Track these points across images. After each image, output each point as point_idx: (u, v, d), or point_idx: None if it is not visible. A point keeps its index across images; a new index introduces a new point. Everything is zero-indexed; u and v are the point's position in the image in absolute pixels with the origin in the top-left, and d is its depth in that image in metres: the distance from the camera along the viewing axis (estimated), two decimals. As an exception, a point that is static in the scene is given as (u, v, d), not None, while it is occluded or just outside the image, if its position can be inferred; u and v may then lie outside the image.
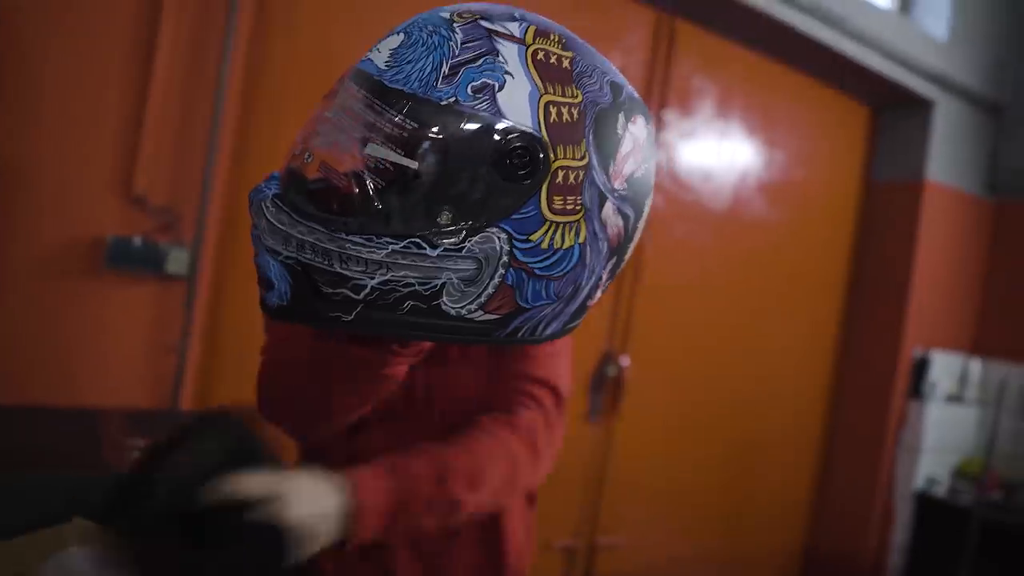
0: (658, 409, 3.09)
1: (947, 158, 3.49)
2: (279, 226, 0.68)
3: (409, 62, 0.67)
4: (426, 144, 0.65)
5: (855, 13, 3.05)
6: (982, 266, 3.76)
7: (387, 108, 0.65)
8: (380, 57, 0.68)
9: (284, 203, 0.68)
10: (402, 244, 0.66)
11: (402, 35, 0.68)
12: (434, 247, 0.67)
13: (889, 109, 3.57)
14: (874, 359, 3.51)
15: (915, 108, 3.46)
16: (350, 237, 0.66)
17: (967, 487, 3.45)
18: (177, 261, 1.99)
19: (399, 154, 0.65)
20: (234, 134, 2.07)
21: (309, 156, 0.68)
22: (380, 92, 0.66)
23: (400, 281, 0.68)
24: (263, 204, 0.69)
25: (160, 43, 1.93)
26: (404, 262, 0.67)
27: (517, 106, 0.67)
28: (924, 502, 3.43)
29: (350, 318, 0.69)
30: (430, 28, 0.68)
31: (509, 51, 0.68)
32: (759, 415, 3.39)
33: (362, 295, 0.68)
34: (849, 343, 3.63)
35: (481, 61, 0.67)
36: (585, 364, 2.90)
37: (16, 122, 1.84)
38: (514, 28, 0.70)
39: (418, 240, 0.66)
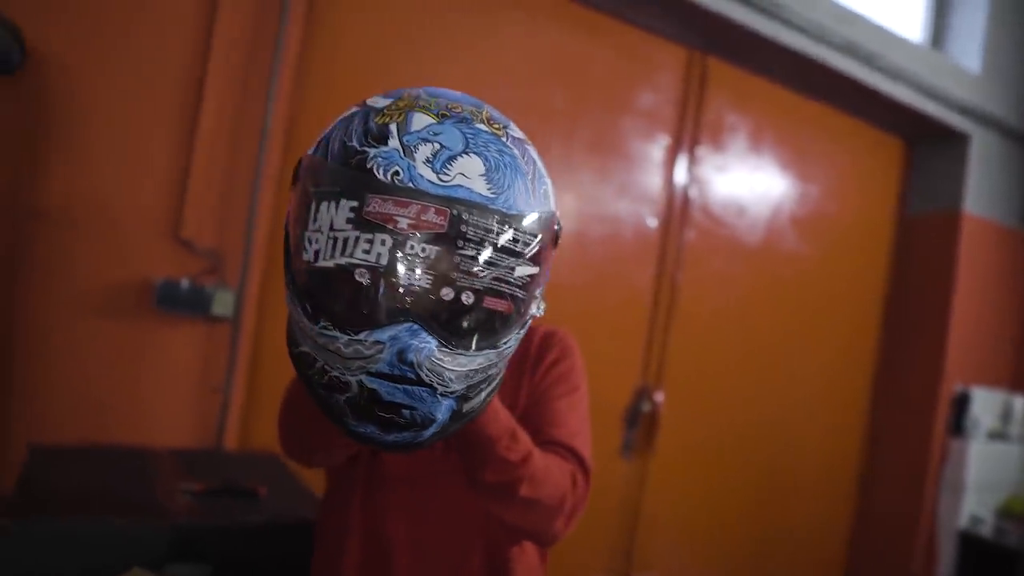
0: (693, 443, 3.07)
1: (983, 190, 3.47)
2: (458, 368, 0.73)
3: (508, 187, 0.72)
4: (540, 250, 0.74)
5: (887, 48, 3.06)
6: (1021, 300, 3.70)
7: (516, 230, 0.72)
8: (478, 185, 0.71)
9: (450, 344, 0.72)
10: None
11: (478, 159, 0.72)
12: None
13: (923, 142, 3.56)
14: (913, 395, 3.46)
15: (950, 141, 3.45)
16: (508, 352, 0.77)
17: (1012, 526, 3.37)
18: (222, 303, 2.04)
19: (533, 267, 0.73)
20: (276, 179, 2.13)
21: (450, 293, 0.70)
22: (504, 219, 0.71)
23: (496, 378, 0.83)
24: (431, 359, 0.71)
25: (206, 93, 2.00)
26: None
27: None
28: (969, 541, 3.36)
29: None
30: (494, 149, 0.73)
31: (532, 152, 0.78)
32: (795, 449, 3.36)
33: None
34: (886, 378, 3.59)
35: (533, 170, 0.76)
36: (619, 400, 2.90)
37: (70, 170, 1.90)
38: (516, 130, 0.79)
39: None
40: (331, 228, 0.68)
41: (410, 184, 0.68)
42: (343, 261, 0.67)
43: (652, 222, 2.91)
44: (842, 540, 3.59)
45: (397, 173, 0.68)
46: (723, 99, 3.01)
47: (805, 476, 3.40)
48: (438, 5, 2.42)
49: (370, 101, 0.75)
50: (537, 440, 1.09)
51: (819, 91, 3.18)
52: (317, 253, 0.69)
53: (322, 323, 0.70)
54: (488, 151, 0.72)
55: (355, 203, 0.68)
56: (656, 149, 2.90)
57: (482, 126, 0.74)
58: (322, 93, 2.21)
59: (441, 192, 0.69)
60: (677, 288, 2.96)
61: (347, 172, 0.69)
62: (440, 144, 0.70)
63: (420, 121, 0.71)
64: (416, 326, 0.69)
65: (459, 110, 0.73)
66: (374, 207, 0.67)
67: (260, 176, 2.08)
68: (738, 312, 3.14)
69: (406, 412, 0.73)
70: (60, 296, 1.91)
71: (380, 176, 0.68)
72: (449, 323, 0.70)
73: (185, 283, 2.00)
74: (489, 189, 0.71)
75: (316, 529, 1.33)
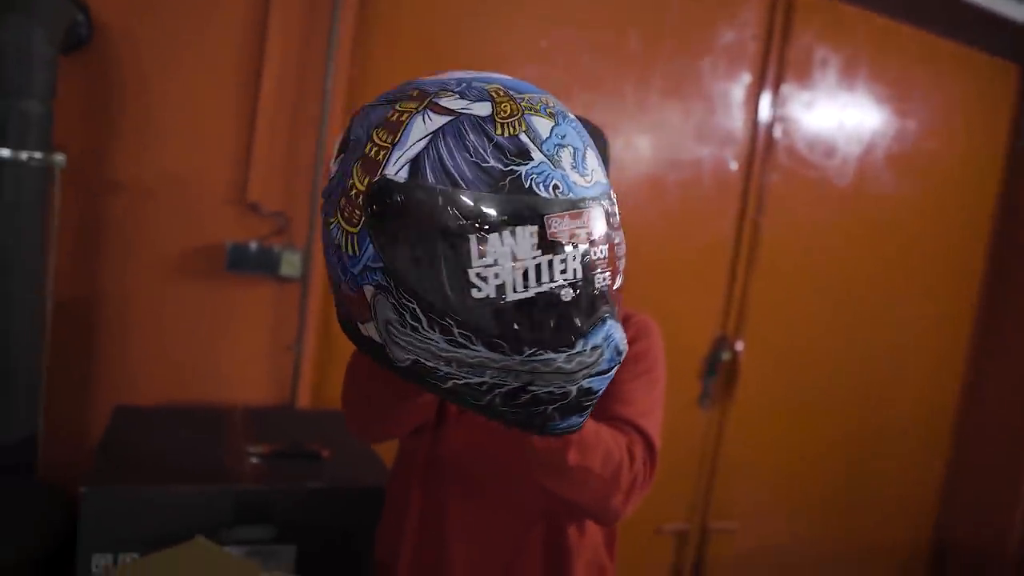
0: (774, 393, 2.99)
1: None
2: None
3: (602, 166, 0.76)
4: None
5: (1002, -36, 2.75)
6: None
7: (615, 204, 0.75)
8: (602, 175, 0.74)
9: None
10: None
11: (592, 151, 0.73)
12: None
13: (1042, 66, 3.22)
14: (1017, 346, 3.23)
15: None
16: None
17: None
18: (290, 264, 2.08)
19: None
20: (339, 139, 2.12)
21: (619, 280, 0.75)
22: (614, 198, 0.76)
23: None
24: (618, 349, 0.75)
25: (266, 58, 2.00)
26: None
27: None
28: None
29: None
30: (586, 135, 0.74)
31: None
32: (883, 400, 3.22)
33: None
34: (988, 328, 3.35)
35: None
36: (698, 349, 2.84)
37: (140, 141, 1.96)
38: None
39: None
40: (515, 258, 0.65)
41: (571, 194, 0.68)
42: (545, 288, 0.67)
43: (733, 165, 2.78)
44: (933, 491, 3.45)
45: (557, 187, 0.67)
46: (812, 32, 2.79)
47: (895, 428, 3.26)
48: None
49: (452, 103, 0.69)
50: (602, 417, 1.06)
51: (921, 16, 2.90)
52: (502, 287, 0.66)
53: (529, 351, 0.69)
54: (586, 138, 0.73)
55: (534, 228, 0.66)
56: (738, 89, 2.74)
57: (571, 115, 0.74)
58: (383, 51, 2.18)
59: (592, 193, 0.70)
60: (759, 234, 2.83)
61: (507, 198, 0.66)
62: (571, 146, 0.70)
63: (542, 126, 0.69)
64: (611, 319, 0.73)
65: (550, 104, 0.72)
66: (556, 228, 0.67)
67: (323, 136, 2.08)
68: (825, 258, 2.98)
69: (592, 392, 0.75)
70: (138, 263, 2.00)
71: (545, 194, 0.67)
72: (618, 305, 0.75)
73: (254, 245, 2.06)
74: (605, 175, 0.75)
75: (386, 497, 1.36)
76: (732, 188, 2.79)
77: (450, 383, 0.71)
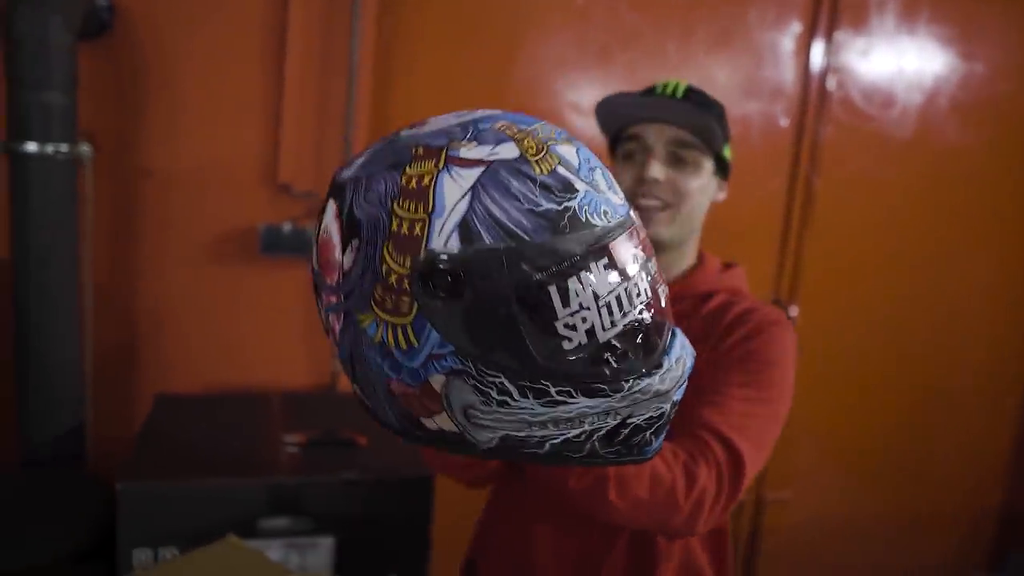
0: (832, 359, 2.87)
1: None
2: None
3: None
4: None
5: None
6: None
7: None
8: (617, 185, 0.71)
9: None
10: None
11: (599, 167, 0.68)
12: None
13: None
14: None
15: None
16: None
17: None
18: (325, 244, 2.05)
19: None
20: (368, 116, 2.07)
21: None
22: None
23: None
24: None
25: (290, 35, 1.95)
26: None
27: None
28: None
29: None
30: (584, 148, 0.69)
31: None
32: (947, 363, 3.06)
33: None
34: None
35: None
36: (748, 315, 2.74)
37: (168, 127, 1.94)
38: None
39: None
40: (597, 298, 0.62)
41: (618, 216, 0.65)
42: (630, 317, 0.64)
43: (784, 121, 2.63)
44: (1002, 456, 3.30)
45: (606, 212, 0.64)
46: (868, -28, 2.60)
47: (959, 392, 3.11)
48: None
49: (473, 152, 0.62)
50: (688, 421, 0.98)
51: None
52: (592, 331, 0.62)
53: (628, 382, 0.65)
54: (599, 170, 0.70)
55: (604, 260, 0.62)
56: (787, 39, 2.58)
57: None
58: (409, 22, 2.10)
59: (628, 209, 0.68)
60: (813, 192, 2.69)
61: (573, 237, 0.61)
62: (598, 167, 0.67)
63: (569, 154, 0.65)
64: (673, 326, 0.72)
65: (556, 131, 0.68)
66: (621, 253, 0.64)
67: (352, 114, 2.03)
68: (884, 216, 2.82)
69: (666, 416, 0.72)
70: (172, 250, 1.99)
71: (601, 222, 0.63)
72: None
73: (287, 227, 2.03)
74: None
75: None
76: (783, 145, 2.65)
77: (547, 446, 0.66)
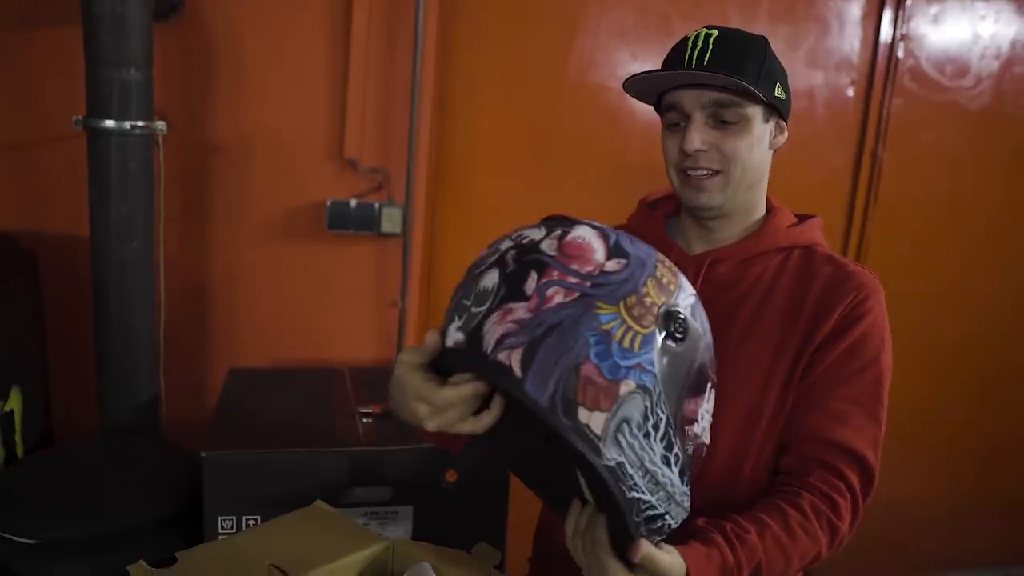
0: (900, 340, 2.76)
1: None
2: None
3: None
4: None
5: None
6: None
7: None
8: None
9: None
10: None
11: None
12: None
13: None
14: None
15: None
16: None
17: None
18: (390, 220, 2.05)
19: None
20: (432, 91, 2.06)
21: None
22: None
23: None
24: None
25: (355, 14, 1.95)
26: None
27: None
28: None
29: None
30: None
31: None
32: (1021, 343, 2.96)
33: None
34: None
35: None
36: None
37: (237, 104, 1.96)
38: None
39: None
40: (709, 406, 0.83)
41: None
42: (702, 438, 0.81)
43: (850, 92, 2.56)
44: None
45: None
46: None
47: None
48: None
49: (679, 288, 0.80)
50: (809, 439, 0.99)
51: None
52: (705, 429, 0.81)
53: (685, 485, 0.79)
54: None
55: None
56: (854, 6, 2.50)
57: None
58: (471, 2, 2.09)
59: None
60: (881, 167, 2.61)
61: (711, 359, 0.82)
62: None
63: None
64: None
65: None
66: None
67: (417, 90, 2.02)
68: (957, 192, 2.73)
69: None
70: (242, 226, 2.02)
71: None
72: None
73: (353, 203, 2.03)
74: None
75: None
76: (849, 117, 2.57)
77: (632, 494, 0.73)
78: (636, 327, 0.72)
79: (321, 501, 1.19)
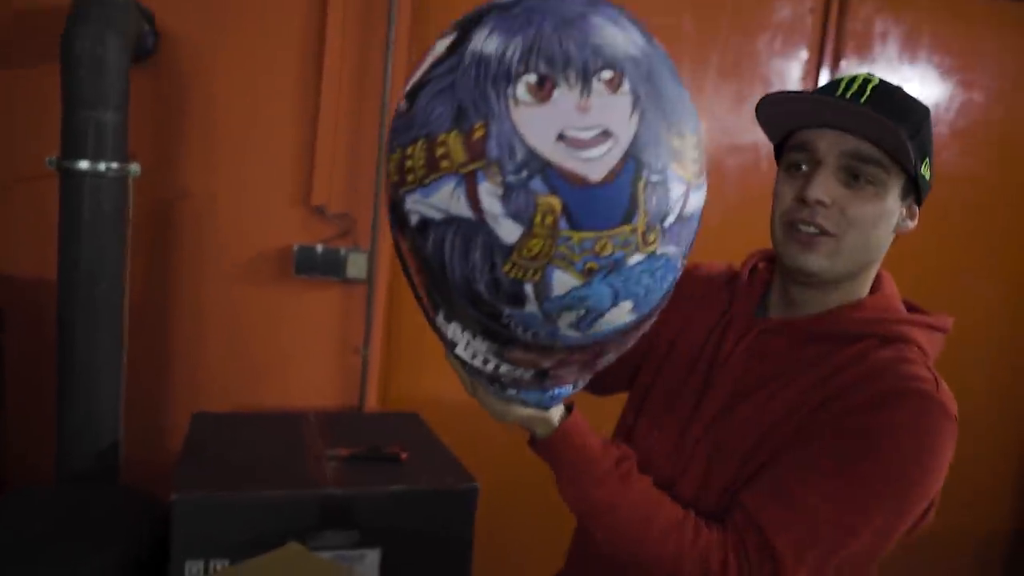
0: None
1: None
2: None
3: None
4: None
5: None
6: None
7: None
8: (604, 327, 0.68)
9: None
10: None
11: (585, 310, 0.63)
12: None
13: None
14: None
15: None
16: None
17: None
18: (356, 265, 2.08)
19: None
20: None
21: None
22: None
23: None
24: None
25: (326, 63, 2.00)
26: None
27: None
28: None
29: None
30: (646, 280, 0.67)
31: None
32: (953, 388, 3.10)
33: None
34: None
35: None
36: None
37: (207, 152, 1.98)
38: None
39: None
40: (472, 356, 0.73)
41: (552, 339, 0.64)
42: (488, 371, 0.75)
43: (792, 147, 2.70)
44: (1010, 479, 3.33)
45: (536, 333, 0.63)
46: (870, 3, 2.70)
47: (970, 417, 3.14)
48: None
49: (489, 191, 0.56)
50: (737, 492, 0.86)
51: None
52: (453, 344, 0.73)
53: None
54: (639, 285, 0.62)
55: (497, 347, 0.68)
56: (795, 66, 2.67)
57: (637, 258, 0.60)
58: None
59: (583, 342, 0.65)
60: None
61: (479, 317, 0.64)
62: (590, 309, 0.61)
63: (561, 283, 0.58)
64: None
65: (609, 253, 0.58)
66: (519, 357, 0.69)
67: (384, 137, 2.07)
68: (892, 249, 2.88)
69: None
70: (209, 270, 2.02)
71: (520, 334, 0.63)
72: None
73: (320, 248, 2.06)
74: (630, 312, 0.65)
75: None
76: (792, 170, 2.71)
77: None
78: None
79: (295, 542, 1.20)
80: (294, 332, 2.10)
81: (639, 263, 0.59)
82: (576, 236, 0.56)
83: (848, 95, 0.86)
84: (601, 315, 0.61)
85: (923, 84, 2.86)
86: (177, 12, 1.89)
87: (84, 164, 1.58)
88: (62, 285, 1.66)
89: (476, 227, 0.57)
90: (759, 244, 2.71)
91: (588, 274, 0.57)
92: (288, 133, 2.03)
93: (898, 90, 0.90)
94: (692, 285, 1.08)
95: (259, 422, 1.91)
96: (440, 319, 0.67)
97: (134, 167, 1.70)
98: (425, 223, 0.59)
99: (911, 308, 0.97)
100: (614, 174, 0.56)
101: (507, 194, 0.55)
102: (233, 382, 2.06)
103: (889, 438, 0.79)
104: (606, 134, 0.56)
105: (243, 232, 2.03)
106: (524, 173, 0.55)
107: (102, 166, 1.59)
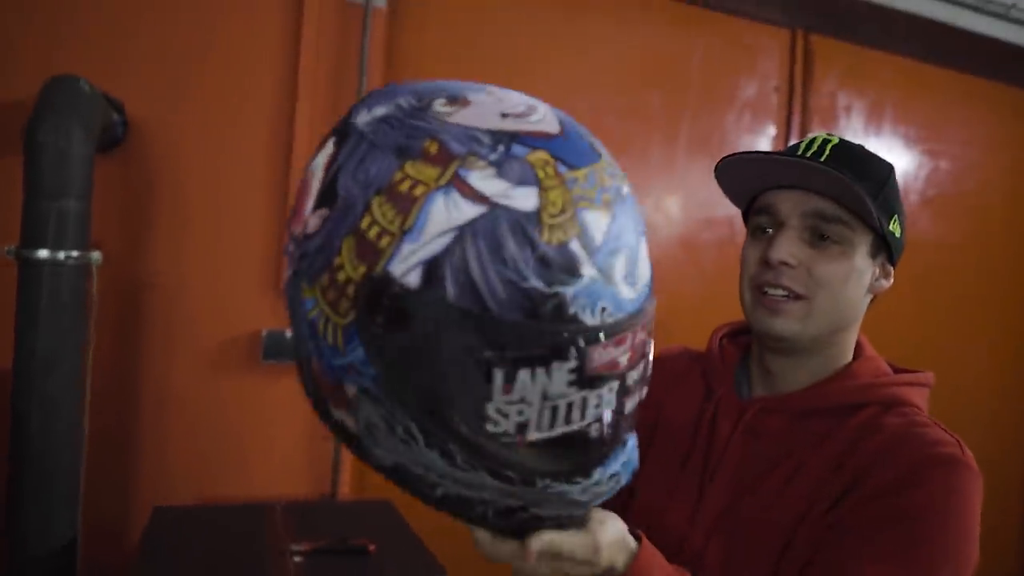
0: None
1: None
2: None
3: (646, 256, 0.67)
4: None
5: (1022, -1, 2.73)
6: None
7: None
8: (644, 273, 0.63)
9: None
10: None
11: (645, 245, 0.62)
12: None
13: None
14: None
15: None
16: None
17: None
18: (326, 348, 2.04)
19: None
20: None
21: None
22: None
23: None
24: None
25: (295, 153, 2.02)
26: None
27: None
28: None
29: None
30: (628, 212, 0.63)
31: None
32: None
33: None
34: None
35: None
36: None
37: (174, 235, 1.97)
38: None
39: None
40: (545, 397, 0.54)
41: (619, 314, 0.56)
42: (574, 427, 0.56)
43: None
44: (1015, 528, 3.25)
45: (604, 309, 0.55)
46: (834, 78, 2.78)
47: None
48: (526, 10, 2.35)
49: (485, 183, 0.52)
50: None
51: (945, 54, 2.88)
52: (524, 426, 0.54)
53: (543, 483, 0.58)
54: (639, 223, 0.60)
55: (571, 365, 0.53)
56: (763, 141, 2.72)
57: (625, 185, 0.60)
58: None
59: (637, 307, 0.58)
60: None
61: (546, 328, 0.52)
62: (626, 248, 0.57)
63: (597, 225, 0.55)
64: (632, 437, 0.64)
65: (606, 181, 0.57)
66: (598, 360, 0.55)
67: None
68: (870, 313, 2.89)
69: None
70: (175, 358, 1.98)
71: (591, 320, 0.54)
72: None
73: (289, 332, 2.02)
74: (650, 268, 0.62)
75: None
76: (767, 241, 2.73)
77: (439, 491, 0.58)
78: (333, 316, 0.54)
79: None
80: (263, 419, 2.05)
81: (628, 193, 0.60)
82: (579, 174, 0.55)
83: (808, 155, 0.86)
84: (637, 253, 0.59)
85: (890, 154, 2.92)
86: (147, 100, 1.91)
87: (44, 253, 1.56)
88: (18, 376, 1.61)
89: (492, 217, 0.51)
90: (736, 316, 2.72)
91: (608, 206, 0.56)
92: (258, 218, 2.03)
93: (859, 148, 0.89)
94: (659, 371, 1.03)
95: (223, 515, 1.84)
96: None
97: (95, 255, 1.68)
98: (431, 265, 0.51)
99: (894, 369, 0.95)
100: (563, 127, 0.58)
101: (500, 169, 0.53)
102: (198, 472, 1.99)
103: (935, 515, 0.77)
104: (532, 107, 0.59)
105: (212, 317, 2.00)
106: (500, 147, 0.54)
107: (61, 255, 1.57)
